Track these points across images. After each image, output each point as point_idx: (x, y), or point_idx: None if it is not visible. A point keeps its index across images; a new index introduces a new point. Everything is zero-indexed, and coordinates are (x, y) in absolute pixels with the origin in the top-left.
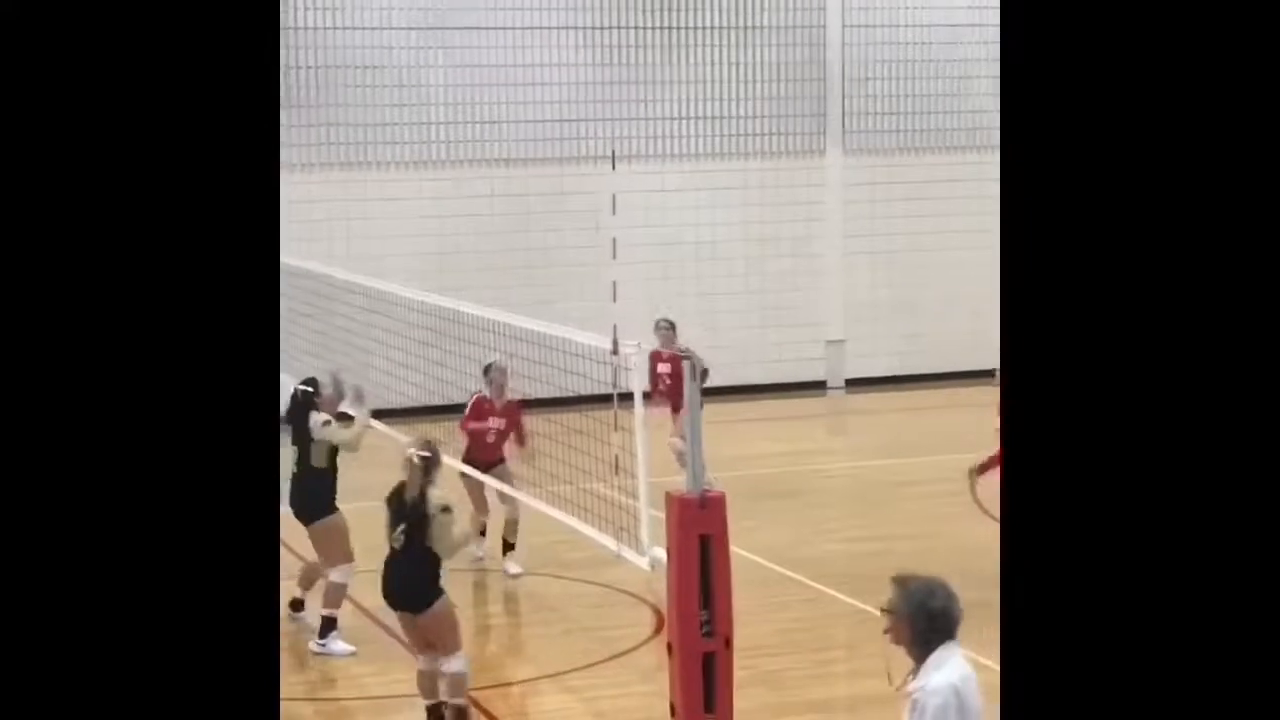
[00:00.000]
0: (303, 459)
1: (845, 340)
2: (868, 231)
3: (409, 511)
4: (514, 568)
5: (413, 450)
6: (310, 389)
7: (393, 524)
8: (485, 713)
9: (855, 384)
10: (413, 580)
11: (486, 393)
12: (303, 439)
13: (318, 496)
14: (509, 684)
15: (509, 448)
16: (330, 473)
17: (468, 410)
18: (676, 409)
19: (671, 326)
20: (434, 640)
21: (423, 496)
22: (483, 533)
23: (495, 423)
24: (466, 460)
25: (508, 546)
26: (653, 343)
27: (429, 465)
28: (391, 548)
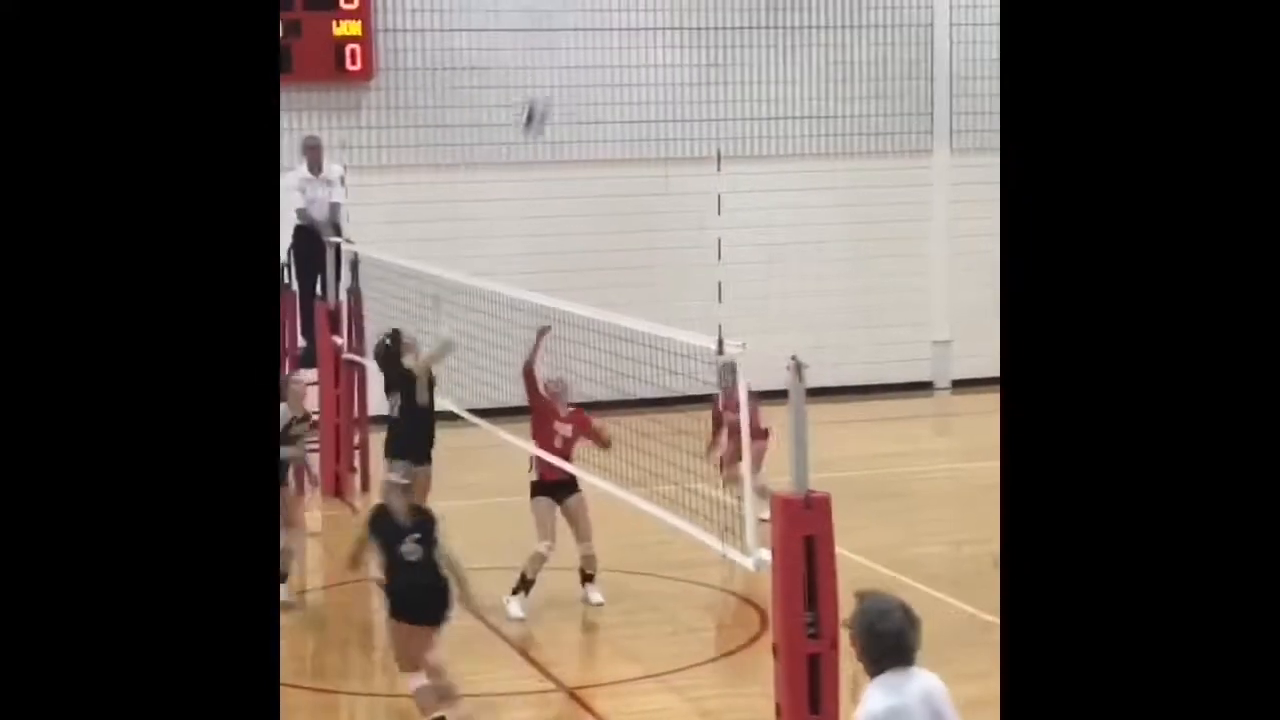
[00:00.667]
0: (407, 401)
1: (952, 340)
2: (975, 231)
3: (415, 524)
4: (597, 595)
5: (394, 476)
6: (392, 340)
7: (394, 541)
8: (590, 710)
9: (962, 385)
10: (437, 590)
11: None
12: (401, 384)
13: (418, 441)
14: (614, 683)
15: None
16: (430, 414)
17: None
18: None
19: (733, 371)
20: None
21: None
22: (526, 584)
23: (563, 429)
24: (542, 474)
25: (586, 577)
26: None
27: (409, 488)
28: (405, 562)
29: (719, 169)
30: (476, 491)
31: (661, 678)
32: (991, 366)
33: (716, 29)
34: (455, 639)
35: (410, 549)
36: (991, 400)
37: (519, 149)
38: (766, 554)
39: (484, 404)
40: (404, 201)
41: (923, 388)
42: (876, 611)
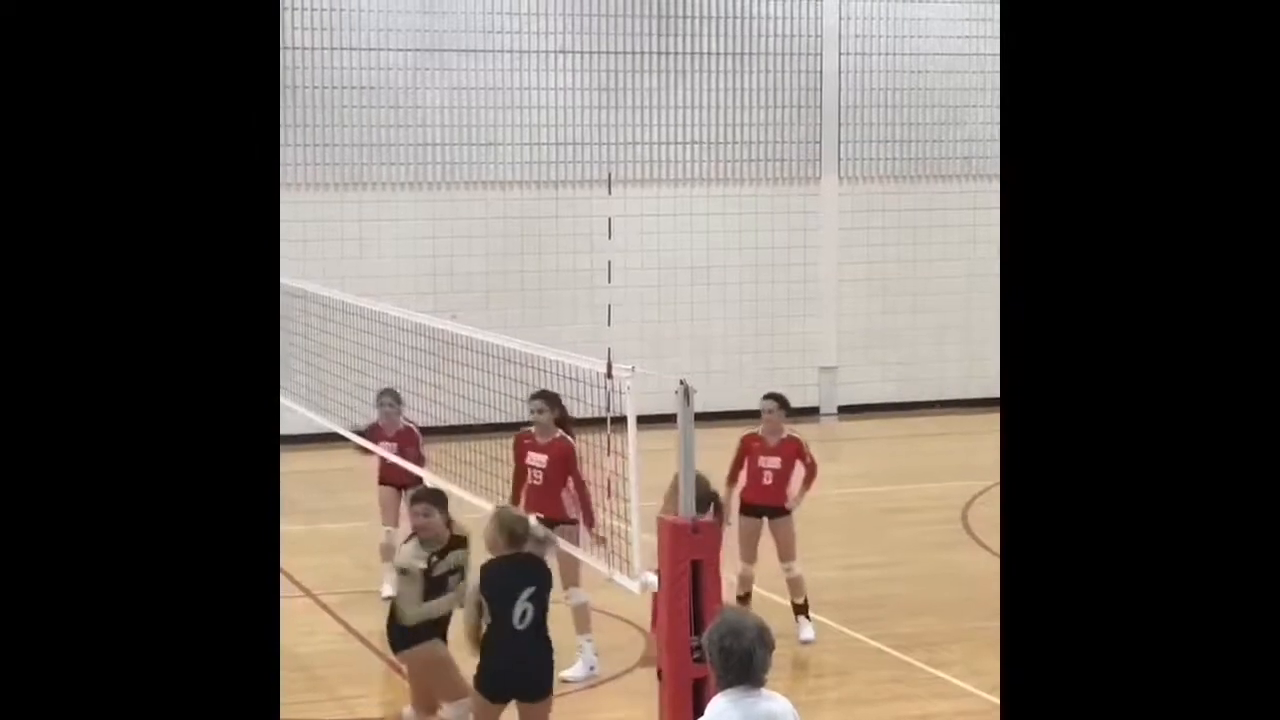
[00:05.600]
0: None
1: (838, 366)
2: (862, 259)
3: (535, 575)
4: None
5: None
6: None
7: (508, 600)
8: None
9: (848, 410)
10: (546, 660)
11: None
12: None
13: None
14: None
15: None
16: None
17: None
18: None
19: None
20: None
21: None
22: None
23: (387, 447)
24: (381, 481)
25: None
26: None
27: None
28: (514, 629)
29: (610, 192)
30: (369, 512)
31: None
32: (877, 393)
33: (609, 53)
34: (329, 662)
35: (522, 614)
36: (877, 426)
37: (409, 169)
38: (652, 577)
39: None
40: (294, 220)
41: (809, 413)
42: (730, 628)
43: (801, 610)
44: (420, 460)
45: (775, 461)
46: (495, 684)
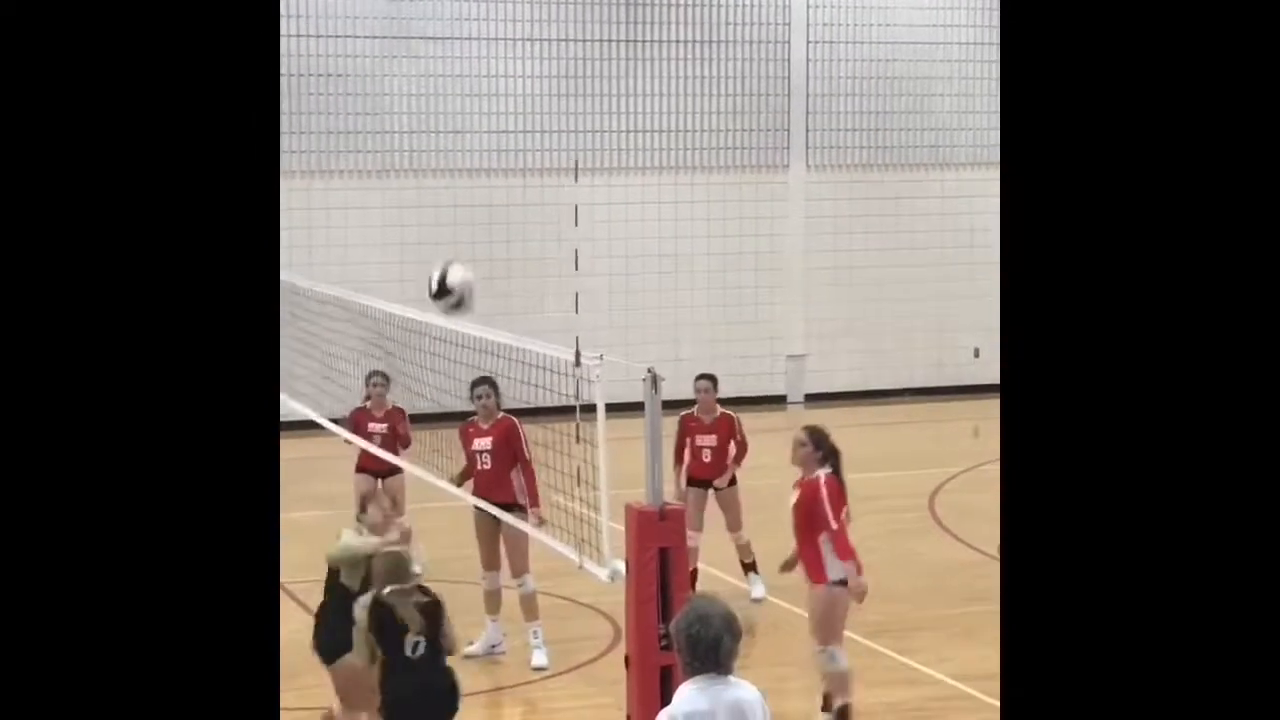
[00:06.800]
0: (332, 582)
1: (806, 355)
2: (829, 247)
3: (425, 612)
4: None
5: (397, 547)
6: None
7: (394, 635)
8: None
9: (815, 399)
10: (449, 693)
11: (367, 404)
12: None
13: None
14: (467, 694)
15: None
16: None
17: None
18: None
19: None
20: None
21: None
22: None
23: (377, 427)
24: (360, 468)
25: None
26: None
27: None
28: (407, 660)
29: (576, 180)
30: (337, 501)
31: (515, 689)
32: (844, 381)
33: (575, 41)
34: (293, 649)
35: (414, 645)
36: (844, 414)
37: (375, 157)
38: (621, 565)
39: (340, 415)
40: None
41: (777, 401)
42: (697, 615)
43: (750, 568)
44: (408, 439)
45: (712, 439)
46: (396, 715)
